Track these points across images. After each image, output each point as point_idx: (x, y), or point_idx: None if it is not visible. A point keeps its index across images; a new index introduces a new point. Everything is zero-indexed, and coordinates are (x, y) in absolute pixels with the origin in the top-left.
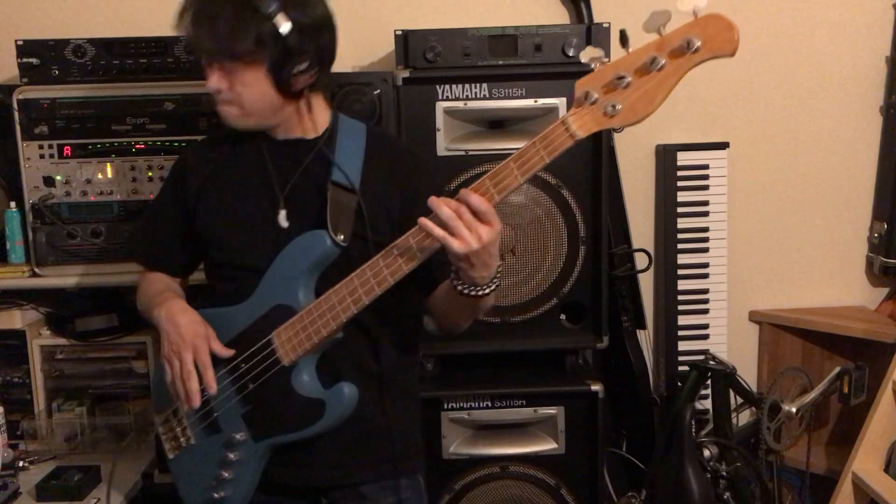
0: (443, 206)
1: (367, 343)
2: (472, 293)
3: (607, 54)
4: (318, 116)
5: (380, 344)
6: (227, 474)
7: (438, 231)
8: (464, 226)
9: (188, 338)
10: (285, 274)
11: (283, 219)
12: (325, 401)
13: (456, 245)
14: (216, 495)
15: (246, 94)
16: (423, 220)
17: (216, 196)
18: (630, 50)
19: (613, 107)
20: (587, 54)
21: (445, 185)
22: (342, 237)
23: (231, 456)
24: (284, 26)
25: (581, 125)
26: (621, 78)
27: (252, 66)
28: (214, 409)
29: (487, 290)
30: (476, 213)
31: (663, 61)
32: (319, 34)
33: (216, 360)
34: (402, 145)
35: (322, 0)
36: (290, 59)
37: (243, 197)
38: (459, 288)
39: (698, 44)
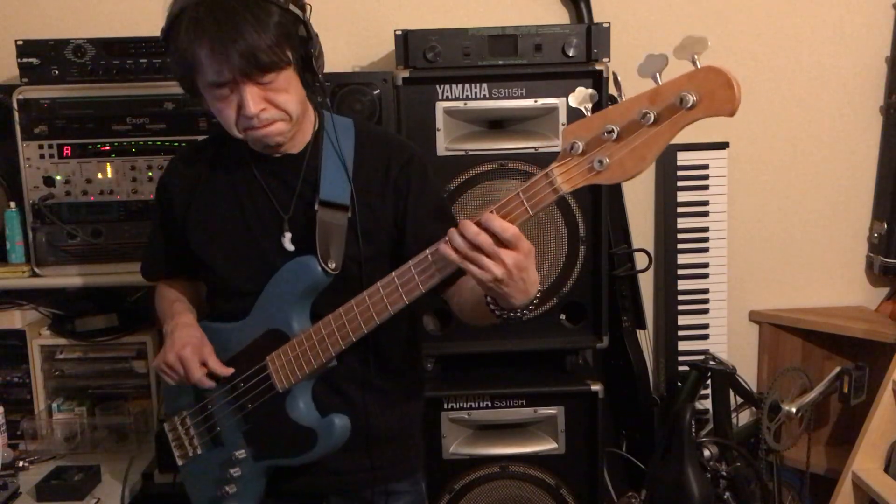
0: (456, 235)
1: (364, 351)
2: (506, 317)
3: (607, 54)
4: (305, 124)
5: (377, 351)
6: (229, 489)
7: (454, 256)
8: (485, 256)
9: (177, 348)
10: (278, 298)
11: (288, 242)
12: (318, 431)
13: (478, 273)
14: None
15: (286, 101)
16: (443, 247)
17: (203, 218)
18: (623, 97)
19: (601, 162)
20: (576, 97)
21: (445, 185)
22: (333, 265)
23: (232, 472)
24: (298, 9)
25: (567, 179)
26: (610, 131)
27: (285, 66)
28: (217, 423)
29: (522, 316)
30: (499, 239)
31: (654, 116)
32: (304, 11)
33: (216, 376)
34: (393, 139)
35: None
36: (310, 44)
37: (237, 220)
38: (496, 312)
39: (693, 100)
